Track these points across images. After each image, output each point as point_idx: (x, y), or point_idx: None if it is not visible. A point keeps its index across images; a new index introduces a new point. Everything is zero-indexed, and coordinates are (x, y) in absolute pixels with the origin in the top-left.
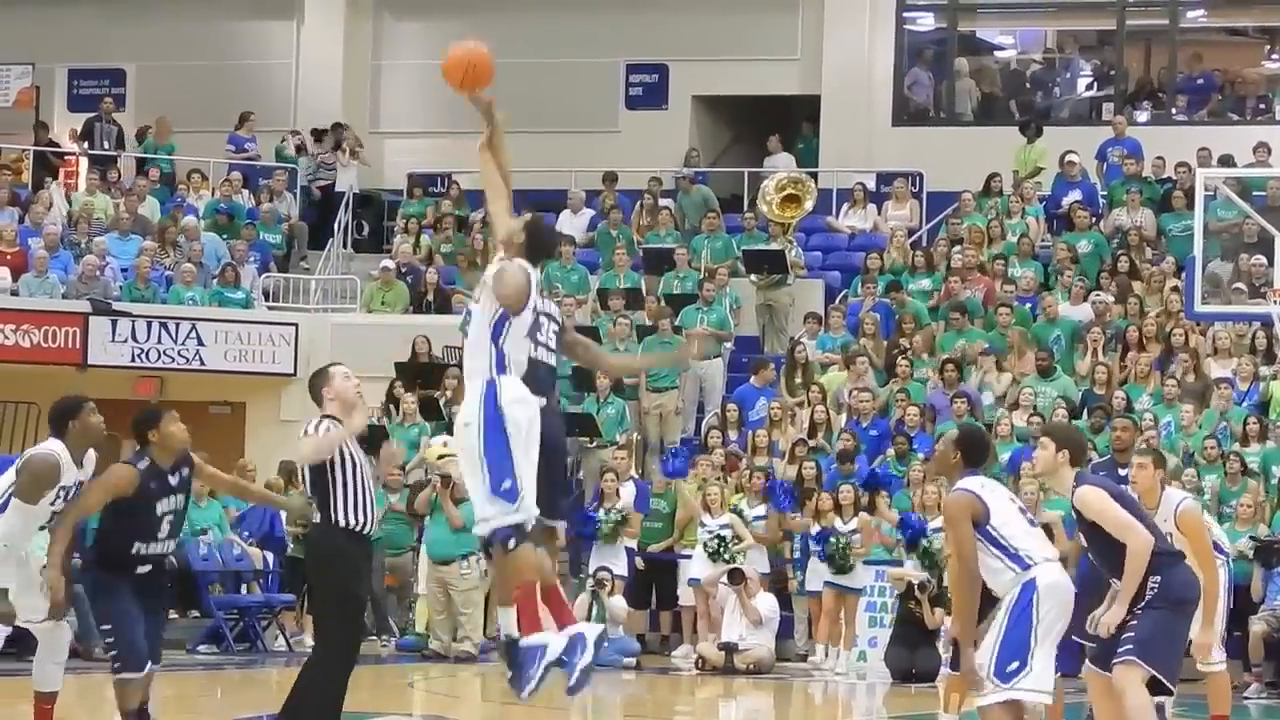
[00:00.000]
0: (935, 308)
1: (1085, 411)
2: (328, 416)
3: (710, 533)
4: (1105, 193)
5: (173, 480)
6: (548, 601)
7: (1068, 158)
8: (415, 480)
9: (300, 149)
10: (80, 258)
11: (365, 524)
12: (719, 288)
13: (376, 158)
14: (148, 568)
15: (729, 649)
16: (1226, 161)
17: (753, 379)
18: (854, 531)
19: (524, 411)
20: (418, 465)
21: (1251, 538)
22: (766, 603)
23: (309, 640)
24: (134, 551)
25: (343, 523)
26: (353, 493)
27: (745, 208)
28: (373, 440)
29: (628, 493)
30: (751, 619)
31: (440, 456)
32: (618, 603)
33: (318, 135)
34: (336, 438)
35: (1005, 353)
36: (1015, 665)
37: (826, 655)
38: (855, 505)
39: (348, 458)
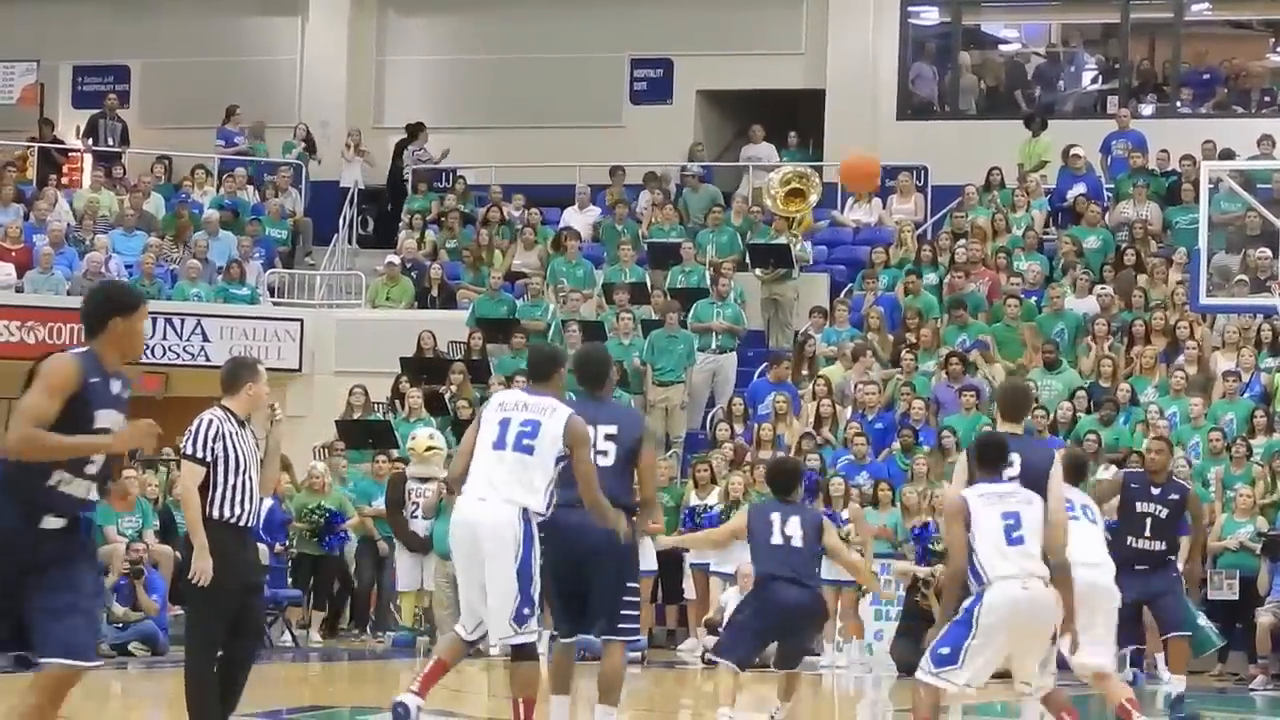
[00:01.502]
0: (941, 302)
1: (1094, 404)
2: (224, 408)
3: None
4: (1111, 186)
5: (114, 387)
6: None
7: (1072, 151)
8: (418, 474)
9: (309, 144)
10: (85, 254)
11: (242, 516)
12: (728, 282)
13: (382, 154)
14: (61, 522)
15: None
16: (1228, 155)
17: (769, 374)
18: (846, 520)
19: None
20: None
21: (1260, 533)
22: None
23: (315, 635)
24: (53, 484)
25: (217, 515)
26: (232, 488)
27: (750, 201)
28: (381, 435)
29: None
30: None
31: (428, 449)
32: None
33: (412, 132)
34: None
35: (1018, 350)
36: (948, 653)
37: (838, 649)
38: (846, 496)
39: (231, 454)
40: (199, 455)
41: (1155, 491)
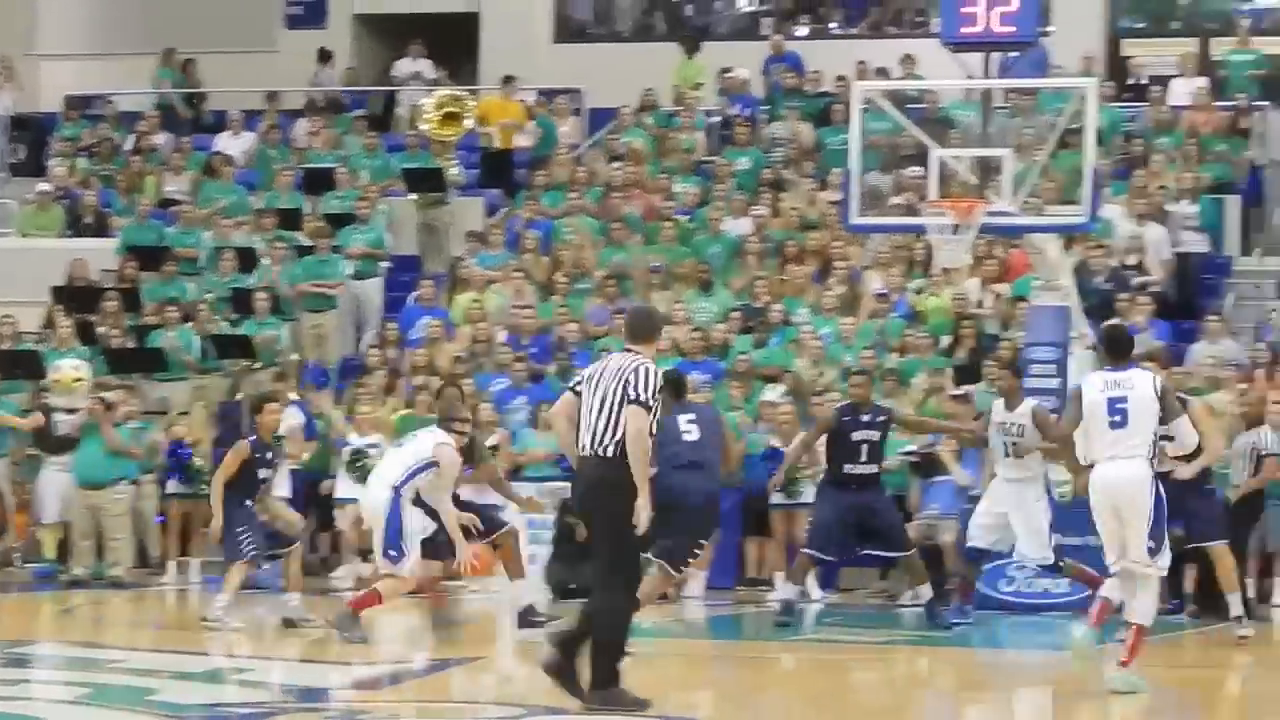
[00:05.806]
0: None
1: (748, 326)
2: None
3: (354, 450)
4: (767, 107)
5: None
6: None
7: (727, 73)
8: (64, 405)
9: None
10: None
11: None
12: (369, 206)
13: (32, 80)
14: None
15: None
16: (882, 74)
17: (418, 299)
18: (494, 447)
19: None
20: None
21: (904, 452)
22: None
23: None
24: None
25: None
26: None
27: (408, 126)
28: (30, 365)
29: (292, 415)
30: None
31: (76, 380)
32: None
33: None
34: None
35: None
36: None
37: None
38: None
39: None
40: (649, 403)
41: (865, 419)
